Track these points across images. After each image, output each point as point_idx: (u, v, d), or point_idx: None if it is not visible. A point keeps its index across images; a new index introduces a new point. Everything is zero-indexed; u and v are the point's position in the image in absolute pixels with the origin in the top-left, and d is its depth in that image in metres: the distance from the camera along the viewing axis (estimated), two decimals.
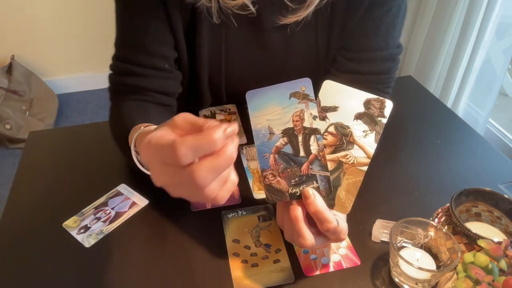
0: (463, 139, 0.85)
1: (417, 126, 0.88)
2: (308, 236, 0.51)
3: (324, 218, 0.50)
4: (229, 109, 0.90)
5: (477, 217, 0.61)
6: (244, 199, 0.70)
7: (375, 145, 0.52)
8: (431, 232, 0.57)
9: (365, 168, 0.52)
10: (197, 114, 0.89)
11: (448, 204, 0.59)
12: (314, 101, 0.51)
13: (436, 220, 0.59)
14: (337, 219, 0.52)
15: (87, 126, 0.92)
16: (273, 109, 0.50)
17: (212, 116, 0.88)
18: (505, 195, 0.58)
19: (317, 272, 0.58)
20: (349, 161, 0.52)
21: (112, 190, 0.72)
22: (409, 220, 0.57)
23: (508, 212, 0.58)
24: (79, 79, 2.44)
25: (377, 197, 0.70)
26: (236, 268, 0.59)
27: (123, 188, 0.72)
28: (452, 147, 0.82)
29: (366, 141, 0.52)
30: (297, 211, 0.51)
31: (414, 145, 0.83)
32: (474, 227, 0.55)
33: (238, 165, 0.77)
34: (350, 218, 0.65)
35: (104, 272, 0.59)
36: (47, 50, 2.31)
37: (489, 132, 1.84)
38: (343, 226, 0.52)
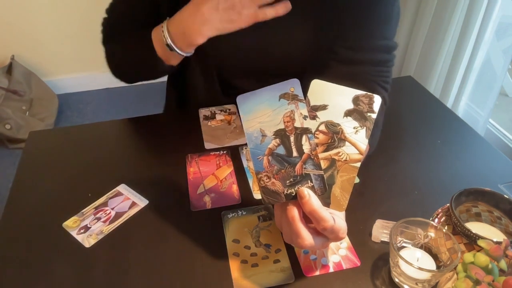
0: (463, 139, 0.85)
1: (417, 126, 0.88)
2: (307, 236, 0.51)
3: (320, 217, 0.50)
4: (229, 109, 0.90)
5: (477, 217, 0.61)
6: (244, 199, 0.70)
7: (366, 141, 0.52)
8: (431, 232, 0.57)
9: (358, 164, 0.52)
10: (197, 113, 0.89)
11: (448, 204, 0.59)
12: (304, 101, 0.51)
13: (436, 220, 0.59)
14: (334, 217, 0.52)
15: (87, 126, 0.92)
16: (264, 111, 0.51)
17: (212, 116, 0.89)
18: (505, 195, 0.58)
19: (317, 273, 0.59)
20: (342, 158, 0.52)
21: (112, 190, 0.72)
22: (409, 220, 0.57)
23: (508, 212, 0.58)
24: (79, 79, 2.44)
25: (377, 197, 0.70)
26: (236, 268, 0.59)
27: (123, 188, 0.72)
28: (452, 147, 0.82)
29: (357, 138, 0.52)
30: (294, 212, 0.51)
31: (414, 145, 0.83)
32: (474, 227, 0.55)
33: (238, 166, 0.77)
34: (350, 218, 0.65)
35: (104, 272, 0.59)
36: (47, 50, 2.31)
37: (489, 132, 1.83)
38: (341, 224, 0.52)
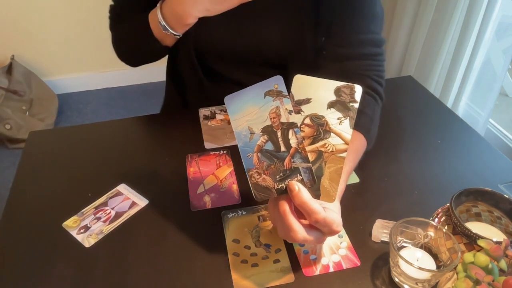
0: (463, 139, 0.85)
1: (417, 126, 0.88)
2: (299, 229, 0.52)
3: (311, 210, 0.51)
4: None
5: (477, 217, 0.61)
6: (244, 199, 0.70)
7: (351, 131, 0.53)
8: (431, 232, 0.57)
9: (345, 154, 0.53)
10: (197, 113, 0.89)
11: (448, 204, 0.59)
12: (288, 97, 0.52)
13: (436, 220, 0.59)
14: (327, 210, 0.52)
15: (87, 126, 0.92)
16: (251, 110, 0.52)
17: (212, 116, 0.89)
18: (505, 195, 0.58)
19: (317, 273, 0.59)
20: (328, 149, 0.53)
21: (112, 190, 0.72)
22: (409, 220, 0.57)
23: (508, 212, 0.58)
24: (79, 79, 2.44)
25: (377, 197, 0.70)
26: (236, 268, 0.59)
27: (123, 188, 0.72)
28: (452, 147, 0.82)
29: (342, 128, 0.53)
30: (285, 206, 0.52)
31: (414, 145, 0.83)
32: (474, 227, 0.55)
33: (238, 165, 0.77)
34: (350, 218, 0.65)
35: (104, 272, 0.59)
36: (47, 50, 2.31)
37: (489, 132, 1.83)
38: (334, 217, 0.53)
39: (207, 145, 0.81)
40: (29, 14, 2.18)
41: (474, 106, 1.82)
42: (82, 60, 2.40)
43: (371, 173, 0.75)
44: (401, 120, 0.89)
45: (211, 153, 0.79)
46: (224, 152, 0.79)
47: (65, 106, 2.35)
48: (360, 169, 0.73)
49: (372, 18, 0.77)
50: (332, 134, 0.53)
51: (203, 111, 0.90)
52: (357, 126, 0.69)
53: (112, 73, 2.40)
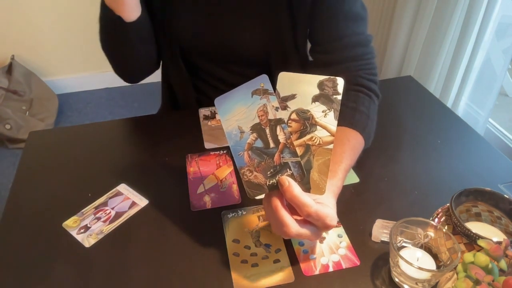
0: (463, 139, 0.85)
1: (417, 126, 0.88)
2: (291, 223, 0.52)
3: (301, 203, 0.51)
4: None
5: (477, 217, 0.61)
6: (244, 199, 0.70)
7: (335, 122, 0.54)
8: (431, 232, 0.57)
9: (331, 146, 0.54)
10: (196, 113, 0.89)
11: (448, 204, 0.59)
12: (274, 94, 0.54)
13: (436, 220, 0.59)
14: (321, 204, 0.53)
15: (87, 126, 0.92)
16: (240, 109, 0.54)
17: (212, 116, 0.89)
18: (505, 195, 0.58)
19: (317, 272, 0.59)
20: (315, 142, 0.54)
21: (112, 190, 0.72)
22: (409, 220, 0.57)
23: (508, 212, 0.58)
24: (79, 79, 2.44)
25: (377, 197, 0.70)
26: (236, 268, 0.59)
27: (123, 188, 0.72)
28: (452, 147, 0.82)
29: (327, 120, 0.54)
30: (276, 201, 0.53)
31: (414, 145, 0.83)
32: (474, 227, 0.55)
33: None
34: (350, 218, 0.65)
35: (104, 272, 0.59)
36: (47, 50, 2.31)
37: (489, 132, 1.83)
38: (327, 211, 0.53)
39: (207, 145, 0.81)
40: (29, 14, 2.18)
41: (474, 106, 1.82)
42: (82, 60, 2.40)
43: (371, 173, 0.75)
44: (401, 120, 0.89)
45: (211, 153, 0.79)
46: (224, 152, 0.79)
47: (65, 106, 2.35)
48: (359, 169, 0.74)
49: (354, 20, 0.77)
50: (318, 127, 0.54)
51: (203, 111, 0.90)
52: (352, 124, 0.69)
53: (112, 73, 2.38)
